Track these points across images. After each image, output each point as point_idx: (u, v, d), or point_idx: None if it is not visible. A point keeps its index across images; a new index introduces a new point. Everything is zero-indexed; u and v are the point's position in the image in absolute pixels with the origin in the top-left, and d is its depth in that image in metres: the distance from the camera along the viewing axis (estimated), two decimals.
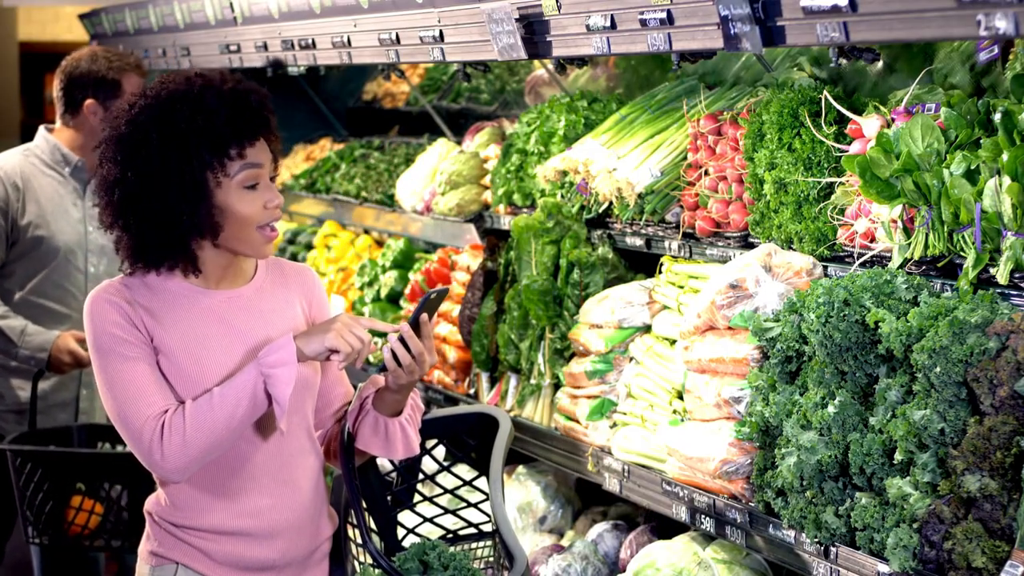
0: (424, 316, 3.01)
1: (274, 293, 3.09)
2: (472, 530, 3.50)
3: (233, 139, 2.89)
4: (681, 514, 3.47)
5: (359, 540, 3.22)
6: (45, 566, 4.81)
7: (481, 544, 3.47)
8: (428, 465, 3.66)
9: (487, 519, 3.44)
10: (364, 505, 3.23)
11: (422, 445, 3.28)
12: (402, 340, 3.00)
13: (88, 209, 4.84)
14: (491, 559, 3.43)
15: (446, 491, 3.48)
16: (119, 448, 4.62)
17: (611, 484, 3.80)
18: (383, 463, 3.43)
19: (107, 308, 2.91)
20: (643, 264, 4.12)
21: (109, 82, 4.82)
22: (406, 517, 3.61)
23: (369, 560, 3.14)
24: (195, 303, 2.97)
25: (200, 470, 2.94)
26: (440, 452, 3.76)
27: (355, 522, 3.18)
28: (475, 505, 3.47)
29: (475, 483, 3.50)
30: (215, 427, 2.86)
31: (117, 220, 2.92)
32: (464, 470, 3.59)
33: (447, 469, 3.48)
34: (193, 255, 2.94)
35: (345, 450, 3.12)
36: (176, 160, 2.85)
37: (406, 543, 3.37)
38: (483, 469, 3.44)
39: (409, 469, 3.43)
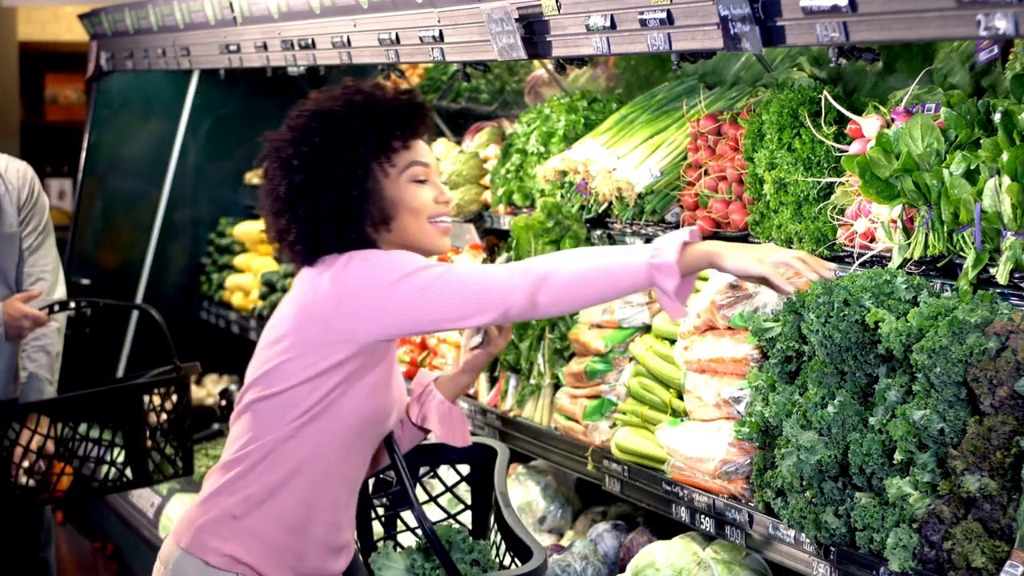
0: None
1: None
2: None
3: (397, 130, 2.93)
4: (681, 514, 3.47)
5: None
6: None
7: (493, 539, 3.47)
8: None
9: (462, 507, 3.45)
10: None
11: (414, 474, 3.29)
12: None
13: None
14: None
15: (431, 499, 3.45)
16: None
17: (611, 484, 3.80)
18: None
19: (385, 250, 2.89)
20: None
21: None
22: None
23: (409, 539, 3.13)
24: None
25: (334, 479, 2.95)
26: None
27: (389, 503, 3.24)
28: (459, 514, 3.47)
29: (461, 490, 3.51)
30: (578, 274, 2.79)
31: (284, 214, 2.90)
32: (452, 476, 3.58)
33: (449, 490, 3.48)
34: (373, 243, 2.93)
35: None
36: (342, 146, 2.88)
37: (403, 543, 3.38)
38: (480, 492, 3.45)
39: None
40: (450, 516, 3.45)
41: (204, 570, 2.92)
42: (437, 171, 3.03)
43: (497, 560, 3.24)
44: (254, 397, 2.94)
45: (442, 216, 3.00)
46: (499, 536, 3.26)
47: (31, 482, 4.53)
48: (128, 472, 4.61)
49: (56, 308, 4.73)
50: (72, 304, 4.84)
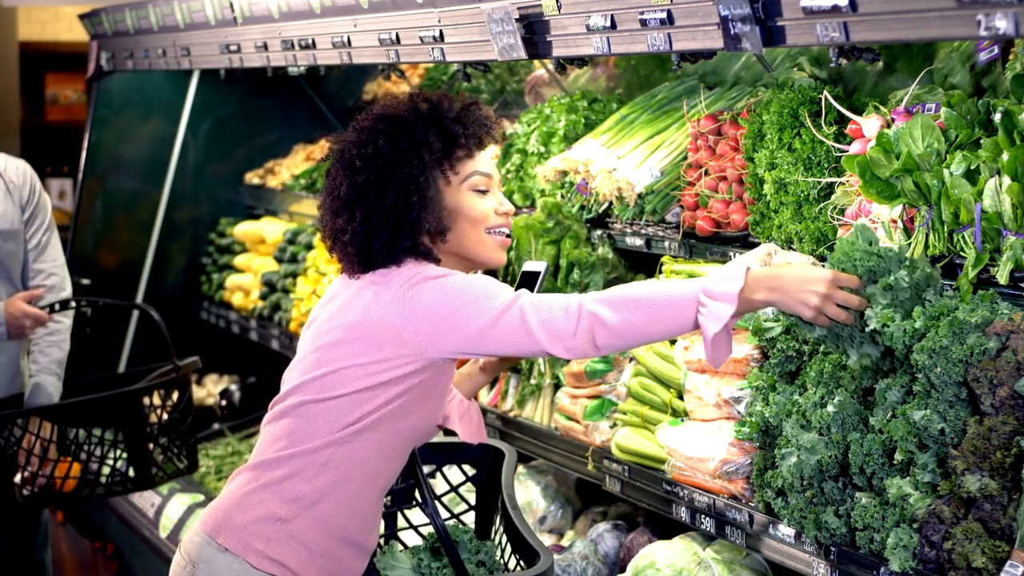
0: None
1: None
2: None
3: (462, 138, 2.92)
4: (681, 514, 3.47)
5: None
6: None
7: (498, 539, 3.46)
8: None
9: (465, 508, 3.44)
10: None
11: (414, 475, 3.26)
12: None
13: None
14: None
15: (436, 498, 3.45)
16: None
17: (611, 484, 3.80)
18: None
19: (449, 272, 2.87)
20: (643, 264, 4.12)
21: None
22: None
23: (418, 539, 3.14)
24: None
25: (374, 484, 2.94)
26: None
27: (418, 498, 3.21)
28: (463, 513, 3.47)
29: (461, 490, 3.50)
30: (636, 315, 2.78)
31: (342, 215, 2.88)
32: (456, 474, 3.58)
33: (454, 490, 3.48)
34: (427, 251, 2.91)
35: None
36: (406, 151, 2.87)
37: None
38: (485, 494, 3.44)
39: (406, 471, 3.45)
40: (454, 516, 3.45)
41: (246, 571, 2.87)
42: (500, 183, 3.03)
43: (502, 562, 3.23)
44: (305, 399, 2.90)
45: (502, 227, 2.98)
46: (504, 538, 3.26)
47: (35, 487, 4.53)
48: (131, 473, 4.61)
49: (57, 307, 4.73)
50: (72, 304, 4.84)
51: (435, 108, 2.93)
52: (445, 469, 3.51)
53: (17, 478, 4.54)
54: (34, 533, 4.98)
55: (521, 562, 3.16)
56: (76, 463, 4.54)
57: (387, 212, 2.86)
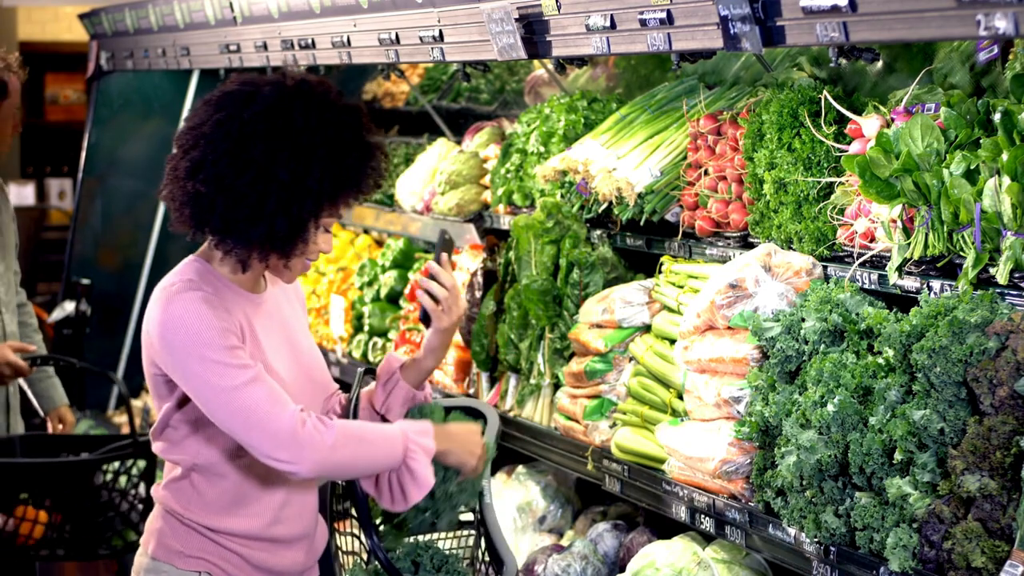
0: (444, 256, 3.13)
1: (285, 299, 3.13)
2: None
3: (360, 195, 2.95)
4: (681, 514, 3.47)
5: (341, 544, 3.22)
6: None
7: (464, 532, 3.44)
8: None
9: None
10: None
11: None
12: (432, 279, 3.10)
13: None
14: (472, 547, 3.41)
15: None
16: (64, 456, 4.69)
17: (611, 484, 3.80)
18: None
19: (202, 306, 2.84)
20: (643, 264, 4.12)
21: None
22: None
23: (363, 556, 3.13)
24: (247, 305, 2.97)
25: (241, 474, 2.97)
26: None
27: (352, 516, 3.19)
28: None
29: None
30: (357, 456, 2.88)
31: (229, 192, 2.83)
32: None
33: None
34: (263, 255, 2.92)
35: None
36: (326, 185, 2.85)
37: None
38: None
39: None
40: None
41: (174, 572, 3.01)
42: None
43: (480, 565, 3.22)
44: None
45: (312, 261, 3.00)
46: (481, 536, 3.25)
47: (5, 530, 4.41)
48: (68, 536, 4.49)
49: (39, 362, 4.79)
50: (51, 362, 4.91)
51: (361, 166, 2.91)
52: None
53: None
54: None
55: (494, 567, 3.16)
56: (41, 513, 4.42)
57: (264, 225, 2.83)
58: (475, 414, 3.39)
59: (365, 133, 2.93)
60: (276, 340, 3.00)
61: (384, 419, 3.21)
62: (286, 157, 2.82)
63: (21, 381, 4.92)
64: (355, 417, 3.12)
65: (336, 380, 3.30)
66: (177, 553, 2.98)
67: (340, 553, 3.28)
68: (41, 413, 5.03)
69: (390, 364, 3.21)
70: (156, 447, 3.03)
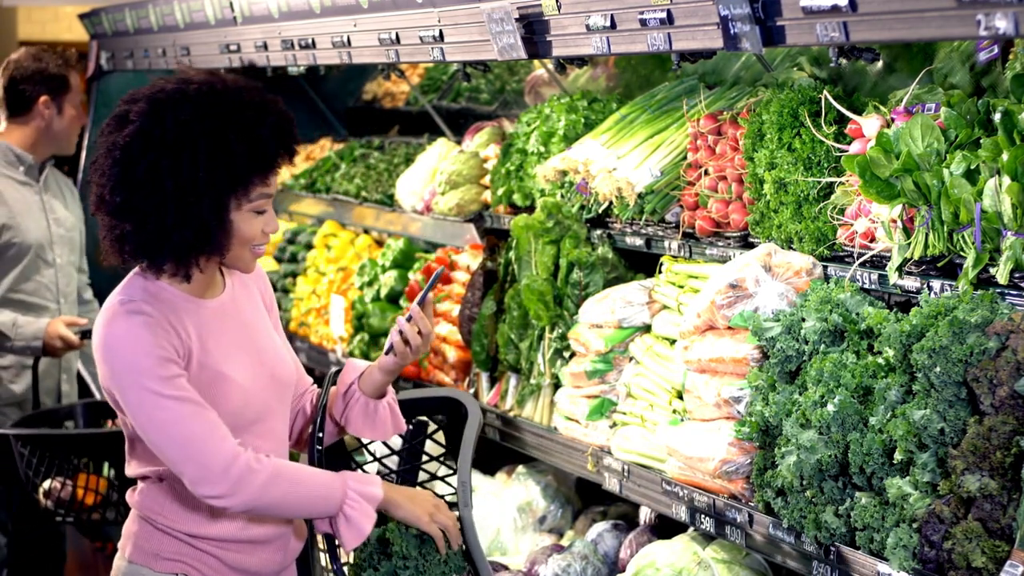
0: (431, 296, 3.12)
1: (247, 298, 3.10)
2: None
3: (272, 167, 2.88)
4: (681, 514, 3.47)
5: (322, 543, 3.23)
6: (13, 546, 5.06)
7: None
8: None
9: (452, 490, 3.39)
10: None
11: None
12: (410, 321, 3.09)
13: (47, 201, 5.11)
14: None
15: (416, 467, 3.40)
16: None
17: (611, 484, 3.80)
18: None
19: (141, 331, 2.83)
20: (643, 264, 4.12)
21: (58, 78, 5.04)
22: None
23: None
24: (197, 314, 2.94)
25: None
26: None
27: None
28: (443, 479, 3.42)
29: (443, 459, 3.44)
30: (288, 499, 2.89)
31: (132, 216, 2.83)
32: (431, 446, 3.52)
33: (414, 446, 3.40)
34: (196, 264, 2.90)
35: (315, 440, 3.14)
36: (220, 178, 2.81)
37: None
38: (454, 455, 3.38)
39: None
40: (433, 477, 3.41)
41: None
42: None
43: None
44: None
45: (262, 244, 2.96)
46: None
47: (50, 503, 4.53)
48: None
49: (90, 336, 4.92)
50: None
51: (255, 138, 2.84)
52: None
53: (45, 485, 4.55)
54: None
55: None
56: (102, 480, 4.53)
57: (177, 230, 2.82)
58: (454, 405, 3.37)
59: (249, 108, 2.85)
60: (232, 344, 2.97)
61: (342, 429, 3.21)
62: (167, 166, 2.79)
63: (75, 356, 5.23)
64: (323, 421, 3.13)
65: None
66: (153, 556, 2.99)
67: (318, 552, 3.26)
68: (92, 385, 5.29)
69: (348, 374, 3.19)
70: (128, 466, 3.03)
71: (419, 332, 3.09)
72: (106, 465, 4.49)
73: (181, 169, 2.79)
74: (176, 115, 2.80)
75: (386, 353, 3.12)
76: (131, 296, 2.89)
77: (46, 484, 4.52)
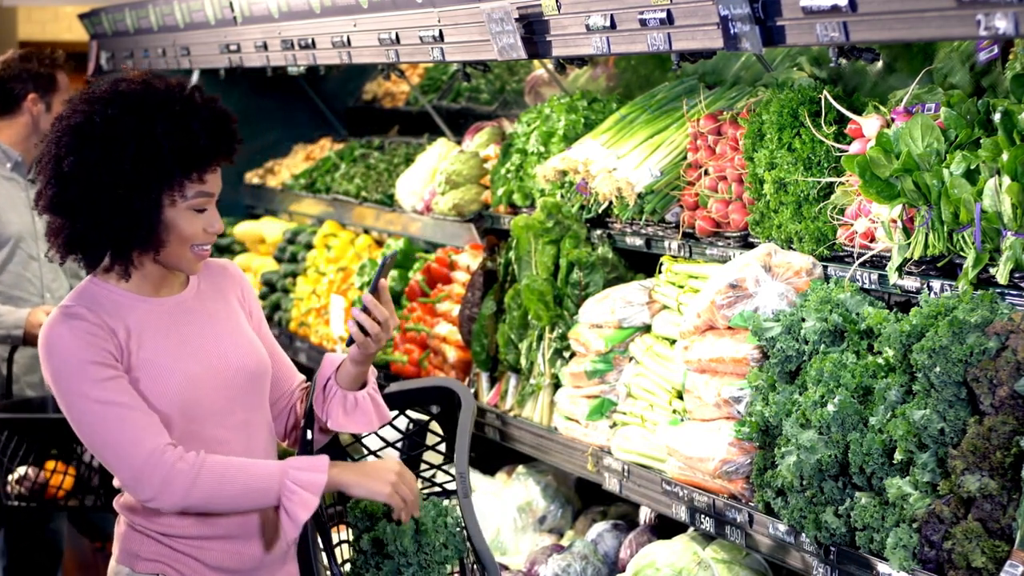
0: (383, 281, 3.07)
1: (213, 295, 3.10)
2: (436, 488, 3.42)
3: (205, 164, 2.90)
4: (681, 514, 3.47)
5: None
6: (9, 535, 5.07)
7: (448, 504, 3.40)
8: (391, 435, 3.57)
9: (451, 478, 3.37)
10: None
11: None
12: (365, 310, 3.05)
13: (32, 197, 5.10)
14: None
15: (409, 455, 3.37)
16: None
17: (611, 484, 3.80)
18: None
19: (75, 335, 2.86)
20: (643, 264, 4.12)
21: (46, 76, 5.15)
22: None
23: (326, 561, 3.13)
24: (143, 312, 2.96)
25: None
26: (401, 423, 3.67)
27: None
28: (440, 467, 3.40)
29: (439, 447, 3.43)
30: (220, 495, 2.89)
31: (64, 211, 2.88)
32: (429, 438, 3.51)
33: (409, 436, 3.40)
34: (131, 261, 2.92)
35: (304, 440, 3.14)
36: (147, 173, 2.84)
37: None
38: (449, 444, 3.35)
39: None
40: (434, 469, 3.40)
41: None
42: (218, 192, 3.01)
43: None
44: None
45: (206, 245, 2.97)
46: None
47: (24, 491, 4.58)
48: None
49: None
50: None
51: (186, 131, 2.86)
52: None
53: (11, 478, 4.59)
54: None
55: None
56: (71, 468, 4.59)
57: (108, 226, 2.85)
58: (447, 394, 3.36)
59: (179, 104, 2.88)
60: (187, 339, 2.98)
61: (325, 426, 3.19)
62: (95, 159, 2.83)
63: None
64: (310, 419, 3.13)
65: None
66: (135, 557, 3.02)
67: (318, 551, 3.24)
68: None
69: (325, 370, 3.18)
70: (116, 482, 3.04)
71: (376, 320, 3.05)
72: (78, 449, 4.55)
73: (109, 163, 2.83)
74: (105, 110, 2.86)
75: (348, 345, 3.11)
76: (74, 301, 2.93)
77: (20, 470, 4.59)
